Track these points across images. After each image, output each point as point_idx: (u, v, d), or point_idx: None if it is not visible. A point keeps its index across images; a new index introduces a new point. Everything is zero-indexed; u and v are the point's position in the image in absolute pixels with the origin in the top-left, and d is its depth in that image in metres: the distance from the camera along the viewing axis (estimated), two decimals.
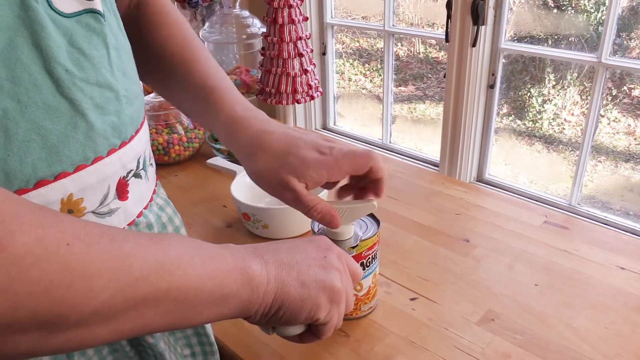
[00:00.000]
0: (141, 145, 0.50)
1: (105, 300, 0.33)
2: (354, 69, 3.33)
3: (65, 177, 0.41)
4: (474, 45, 1.05)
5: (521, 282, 0.73)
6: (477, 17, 1.01)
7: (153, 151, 1.05)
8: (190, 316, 0.39)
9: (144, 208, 0.51)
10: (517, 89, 2.64)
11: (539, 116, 2.59)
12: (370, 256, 0.64)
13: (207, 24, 1.12)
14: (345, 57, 3.36)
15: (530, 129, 2.60)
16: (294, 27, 1.01)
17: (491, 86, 1.16)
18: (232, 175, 0.91)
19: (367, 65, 3.32)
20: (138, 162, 0.49)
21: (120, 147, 0.45)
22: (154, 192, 0.55)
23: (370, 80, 3.25)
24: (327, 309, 0.46)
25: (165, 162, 1.06)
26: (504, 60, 2.81)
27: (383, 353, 0.63)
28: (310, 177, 0.55)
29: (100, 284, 0.33)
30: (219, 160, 0.94)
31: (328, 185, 0.59)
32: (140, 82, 0.53)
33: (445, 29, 1.09)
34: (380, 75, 3.31)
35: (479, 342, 0.64)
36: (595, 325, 0.65)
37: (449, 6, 1.03)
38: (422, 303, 0.70)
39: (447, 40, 1.10)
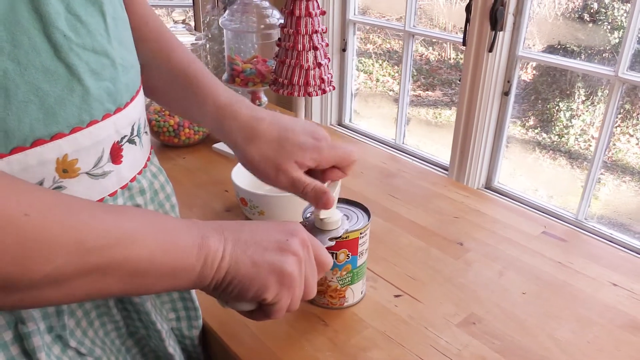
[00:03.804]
0: (136, 112, 0.51)
1: (57, 267, 0.36)
2: (382, 69, 3.32)
3: (61, 137, 0.43)
4: (490, 50, 1.04)
5: (509, 289, 0.72)
6: (495, 22, 1.00)
7: (164, 132, 1.07)
8: (144, 286, 0.42)
9: (138, 173, 0.53)
10: (546, 101, 2.60)
11: (565, 131, 2.54)
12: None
13: (227, 12, 1.13)
14: (375, 57, 3.36)
15: (555, 143, 2.56)
16: (310, 20, 1.02)
17: (506, 93, 1.14)
18: (236, 160, 0.92)
19: (396, 67, 3.31)
20: (132, 129, 0.51)
21: (115, 113, 0.47)
22: (148, 159, 0.57)
23: (398, 83, 3.23)
24: (275, 291, 0.47)
25: (175, 144, 1.09)
26: (535, 72, 2.77)
27: (359, 345, 0.63)
28: (306, 161, 0.57)
29: (53, 252, 0.35)
30: (224, 145, 0.96)
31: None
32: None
33: (463, 32, 1.09)
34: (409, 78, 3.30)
35: (456, 344, 0.63)
36: (578, 338, 0.65)
37: (468, 10, 1.03)
38: (405, 301, 0.70)
39: (464, 43, 1.09)
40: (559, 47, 2.30)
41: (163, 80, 0.64)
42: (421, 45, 3.35)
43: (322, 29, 1.04)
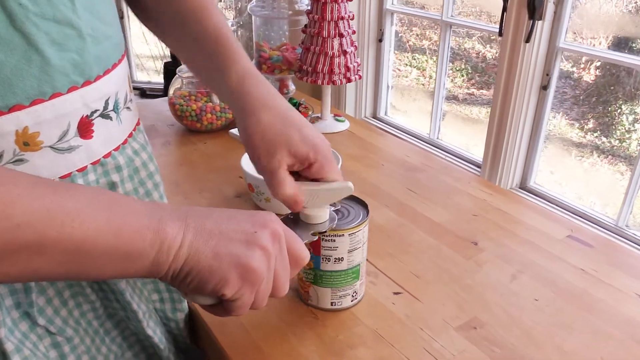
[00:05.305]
0: (111, 87, 0.50)
1: None
2: (436, 66, 3.23)
3: (19, 109, 0.42)
4: (527, 40, 0.97)
5: (520, 295, 0.67)
6: (533, 10, 0.93)
7: (186, 117, 1.07)
8: (89, 269, 0.39)
9: (114, 150, 0.52)
10: (607, 103, 2.44)
11: (627, 135, 2.38)
12: None
13: None
14: (429, 53, 3.27)
15: (615, 148, 2.40)
16: (336, 5, 0.99)
17: (544, 87, 1.07)
18: None
19: (450, 64, 3.21)
20: (106, 103, 0.50)
21: (83, 86, 0.46)
22: (130, 135, 0.55)
23: (452, 80, 3.14)
24: (236, 286, 0.44)
25: (198, 129, 1.08)
26: (598, 73, 2.60)
27: (346, 341, 0.60)
28: (300, 155, 0.54)
29: None
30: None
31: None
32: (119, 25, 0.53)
33: (500, 21, 1.02)
34: (462, 75, 3.19)
35: (451, 348, 0.59)
36: (589, 352, 0.59)
37: None
38: (404, 299, 0.66)
39: (500, 34, 1.03)
40: (624, 44, 2.15)
41: (192, 39, 0.61)
42: (478, 43, 3.24)
43: (349, 16, 1.01)
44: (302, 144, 0.54)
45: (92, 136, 0.48)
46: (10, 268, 0.36)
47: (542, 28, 1.00)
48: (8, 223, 0.34)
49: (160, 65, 3.87)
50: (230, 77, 0.57)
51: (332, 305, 0.64)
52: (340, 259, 0.60)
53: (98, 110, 0.48)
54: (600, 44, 2.39)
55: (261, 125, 0.54)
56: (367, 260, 0.72)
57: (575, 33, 2.28)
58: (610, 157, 2.40)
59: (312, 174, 0.56)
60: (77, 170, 0.47)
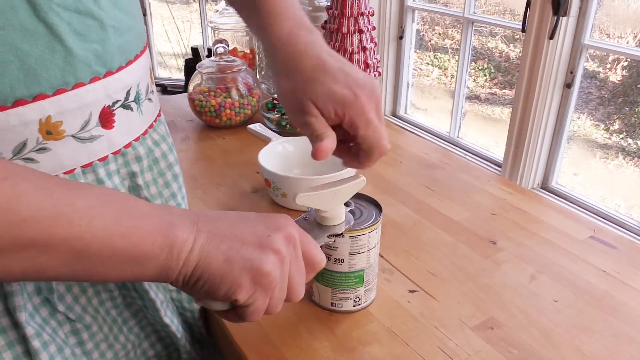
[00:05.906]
0: (132, 77, 0.50)
1: None
2: (458, 63, 3.20)
3: (43, 99, 0.42)
4: (551, 37, 0.95)
5: (539, 295, 0.65)
6: (558, 6, 0.91)
7: (206, 112, 1.07)
8: (96, 270, 0.39)
9: (135, 140, 0.52)
10: (634, 104, 2.39)
11: None
12: None
13: None
14: (451, 53, 3.24)
15: None
16: (356, 1, 0.98)
17: (568, 85, 1.04)
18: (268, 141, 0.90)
19: (473, 63, 3.18)
20: (128, 94, 0.50)
21: (105, 76, 0.46)
22: (151, 126, 0.55)
23: (474, 80, 3.10)
24: (249, 291, 0.43)
25: (217, 124, 1.08)
26: (625, 73, 2.54)
27: (359, 338, 0.59)
28: (326, 111, 0.52)
29: None
30: (257, 127, 0.94)
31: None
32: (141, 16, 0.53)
33: (523, 17, 1.00)
34: (485, 75, 3.16)
35: (467, 348, 0.58)
36: (610, 355, 0.57)
37: None
38: (420, 297, 0.65)
39: (523, 30, 1.01)
40: None
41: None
42: (501, 42, 3.20)
43: (369, 12, 1.00)
44: (327, 101, 0.51)
45: (113, 126, 0.49)
46: (13, 265, 0.35)
47: (567, 24, 0.97)
48: (14, 217, 0.34)
49: (181, 63, 3.91)
50: (266, 42, 0.56)
51: (332, 305, 0.62)
52: (340, 260, 0.59)
53: (119, 100, 0.49)
54: (627, 42, 2.34)
55: (286, 86, 0.54)
56: (382, 257, 0.72)
57: (601, 31, 2.24)
58: (636, 158, 2.34)
59: (347, 130, 0.53)
60: (98, 160, 0.48)
